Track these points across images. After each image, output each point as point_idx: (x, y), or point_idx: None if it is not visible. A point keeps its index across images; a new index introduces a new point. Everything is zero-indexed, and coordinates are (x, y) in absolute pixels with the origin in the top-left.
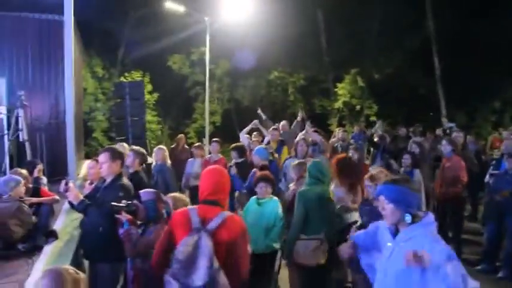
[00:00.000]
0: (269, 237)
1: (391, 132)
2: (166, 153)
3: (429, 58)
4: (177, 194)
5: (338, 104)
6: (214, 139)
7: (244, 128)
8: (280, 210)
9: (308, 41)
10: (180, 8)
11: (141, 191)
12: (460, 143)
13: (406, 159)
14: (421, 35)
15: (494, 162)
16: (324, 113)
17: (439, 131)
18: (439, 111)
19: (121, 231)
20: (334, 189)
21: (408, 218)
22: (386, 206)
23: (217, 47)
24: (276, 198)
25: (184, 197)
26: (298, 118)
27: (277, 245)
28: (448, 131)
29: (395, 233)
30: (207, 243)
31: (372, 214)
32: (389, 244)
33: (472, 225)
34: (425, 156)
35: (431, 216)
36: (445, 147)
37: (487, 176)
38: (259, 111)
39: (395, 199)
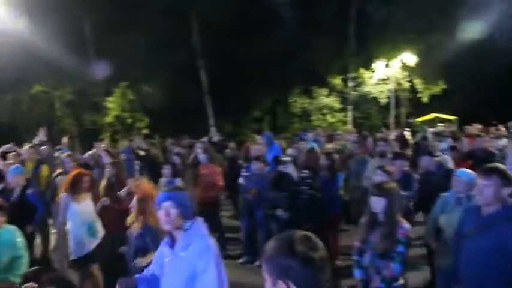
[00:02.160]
0: (9, 271)
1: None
2: None
3: (197, 72)
4: None
5: (109, 118)
6: None
7: None
8: (18, 239)
9: (75, 53)
10: None
11: None
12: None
13: (167, 169)
14: (189, 50)
15: (246, 165)
16: (96, 129)
17: (204, 139)
18: (207, 122)
19: None
20: None
21: (188, 224)
22: (172, 211)
23: None
24: (12, 227)
25: None
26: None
27: (16, 279)
28: (212, 139)
29: (172, 244)
30: None
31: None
32: (167, 259)
33: (234, 223)
34: (186, 165)
35: (199, 219)
36: (200, 155)
37: (240, 178)
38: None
39: (182, 204)
